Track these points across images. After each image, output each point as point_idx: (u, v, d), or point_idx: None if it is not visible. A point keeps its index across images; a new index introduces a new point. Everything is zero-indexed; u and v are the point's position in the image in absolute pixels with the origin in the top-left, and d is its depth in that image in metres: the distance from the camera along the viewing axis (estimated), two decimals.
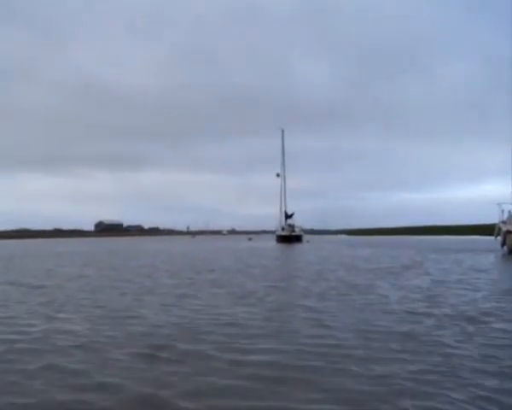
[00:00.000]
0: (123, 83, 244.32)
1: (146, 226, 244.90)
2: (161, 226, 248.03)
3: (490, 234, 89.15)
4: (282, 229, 71.82)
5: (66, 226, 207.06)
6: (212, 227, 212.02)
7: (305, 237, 75.04)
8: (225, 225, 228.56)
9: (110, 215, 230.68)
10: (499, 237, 33.58)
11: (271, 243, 68.80)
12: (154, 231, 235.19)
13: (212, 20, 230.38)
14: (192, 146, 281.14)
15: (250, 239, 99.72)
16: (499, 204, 33.42)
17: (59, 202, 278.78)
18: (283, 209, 74.32)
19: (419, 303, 10.87)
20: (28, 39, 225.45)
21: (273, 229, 79.48)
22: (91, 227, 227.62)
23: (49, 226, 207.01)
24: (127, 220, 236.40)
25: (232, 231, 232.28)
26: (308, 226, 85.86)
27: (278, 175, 75.25)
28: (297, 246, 56.10)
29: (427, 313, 9.54)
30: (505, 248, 31.84)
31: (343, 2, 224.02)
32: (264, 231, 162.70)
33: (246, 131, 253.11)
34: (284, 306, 10.80)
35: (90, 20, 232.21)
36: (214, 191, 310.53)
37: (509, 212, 32.48)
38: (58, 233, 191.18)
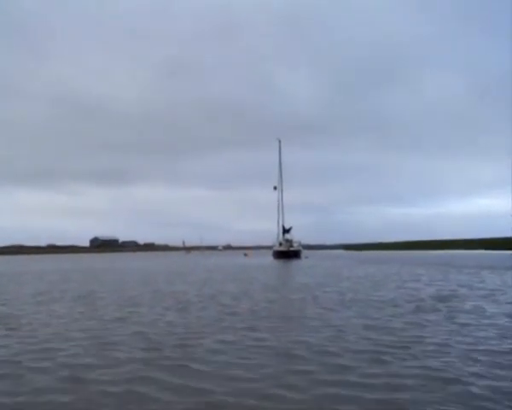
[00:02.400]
0: (115, 98, 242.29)
1: (141, 242, 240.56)
2: (156, 242, 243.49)
3: (502, 248, 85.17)
4: (280, 244, 67.31)
5: (61, 242, 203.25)
6: (207, 243, 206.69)
7: (304, 253, 70.23)
8: (221, 240, 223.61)
9: (106, 231, 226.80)
10: None
11: (268, 258, 64.04)
12: (150, 247, 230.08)
13: (198, 36, 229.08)
14: (187, 161, 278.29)
15: (246, 255, 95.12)
16: None
17: (54, 217, 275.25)
18: (281, 223, 69.75)
19: None
20: (19, 55, 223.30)
21: (270, 244, 74.65)
22: (87, 243, 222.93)
23: (43, 242, 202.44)
24: (123, 236, 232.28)
25: (228, 247, 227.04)
26: (304, 241, 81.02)
27: (275, 188, 71.16)
28: (295, 263, 51.20)
29: None
30: None
31: (333, 17, 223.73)
32: (261, 247, 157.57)
33: (239, 144, 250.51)
34: None
35: (81, 37, 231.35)
36: (209, 206, 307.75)
37: None
38: (53, 249, 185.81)
